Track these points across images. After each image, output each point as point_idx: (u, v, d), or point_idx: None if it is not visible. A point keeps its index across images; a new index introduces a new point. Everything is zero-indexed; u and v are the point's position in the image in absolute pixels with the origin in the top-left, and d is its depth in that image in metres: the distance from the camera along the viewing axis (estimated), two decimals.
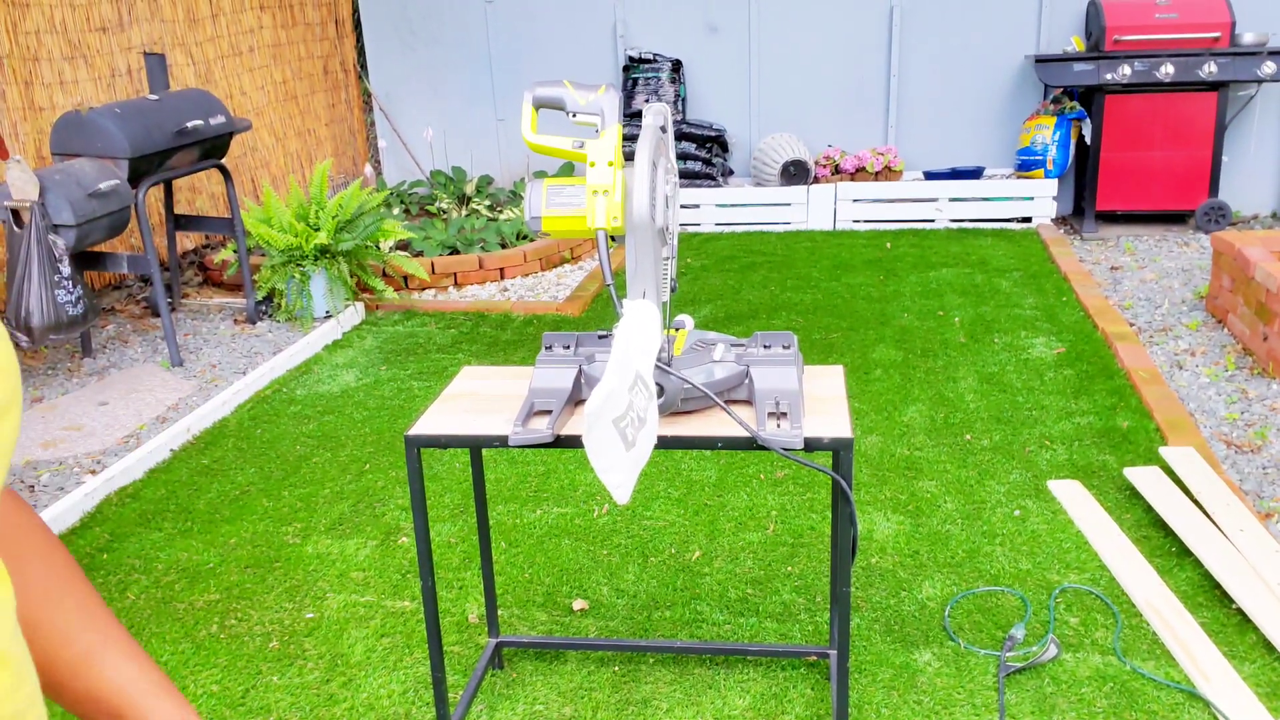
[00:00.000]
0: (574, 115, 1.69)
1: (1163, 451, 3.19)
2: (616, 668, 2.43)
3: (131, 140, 4.14)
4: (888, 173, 6.34)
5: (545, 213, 1.71)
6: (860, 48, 6.53)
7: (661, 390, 1.73)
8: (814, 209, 6.33)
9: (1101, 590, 2.63)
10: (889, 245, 5.88)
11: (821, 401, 1.86)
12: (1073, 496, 3.06)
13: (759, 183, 6.49)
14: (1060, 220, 6.34)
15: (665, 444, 1.74)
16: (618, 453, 1.49)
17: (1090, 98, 5.94)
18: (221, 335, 4.76)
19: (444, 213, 6.28)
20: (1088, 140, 5.96)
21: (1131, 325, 4.44)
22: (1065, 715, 2.21)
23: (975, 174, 6.32)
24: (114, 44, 5.20)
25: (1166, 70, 5.63)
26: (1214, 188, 5.86)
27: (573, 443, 1.76)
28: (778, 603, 2.65)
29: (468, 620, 2.64)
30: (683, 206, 6.45)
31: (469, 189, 6.60)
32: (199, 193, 5.85)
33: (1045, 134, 6.10)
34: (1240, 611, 2.50)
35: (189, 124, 4.42)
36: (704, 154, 6.47)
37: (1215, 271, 4.44)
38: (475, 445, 1.81)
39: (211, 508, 3.26)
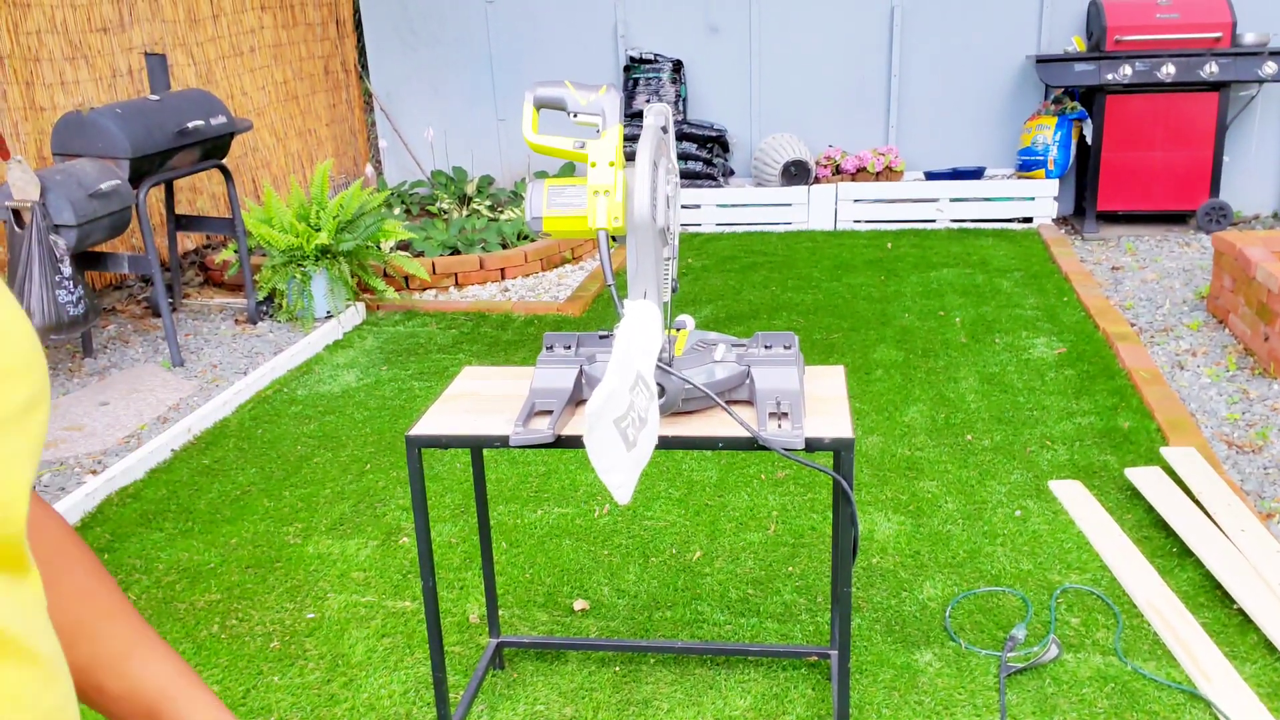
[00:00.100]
0: (575, 115, 1.69)
1: (1164, 452, 3.19)
2: (617, 668, 2.43)
3: (132, 140, 4.15)
4: (889, 173, 6.34)
5: (546, 213, 1.71)
6: (861, 48, 6.53)
7: (662, 390, 1.73)
8: (815, 209, 6.33)
9: (1102, 590, 2.63)
10: (890, 245, 5.87)
11: (822, 402, 1.86)
12: (1074, 497, 3.06)
13: (760, 183, 6.49)
14: (1061, 220, 6.33)
15: (666, 444, 1.74)
16: (619, 453, 1.49)
17: (1091, 98, 5.93)
18: (222, 335, 4.77)
19: (445, 213, 6.28)
20: (1089, 140, 5.96)
21: (1132, 325, 4.44)
22: (1066, 716, 2.21)
23: (976, 174, 6.31)
24: (115, 44, 5.20)
25: (1167, 70, 5.63)
26: (1215, 188, 5.86)
27: (574, 443, 1.76)
28: (779, 603, 2.65)
29: (468, 620, 2.64)
30: (684, 207, 6.44)
31: (470, 189, 6.60)
32: (200, 193, 5.85)
33: (1046, 134, 6.10)
34: (1241, 612, 2.50)
35: (190, 124, 4.42)
36: (705, 154, 6.47)
37: (1216, 272, 4.44)
38: (476, 445, 1.81)
39: (212, 508, 3.26)
